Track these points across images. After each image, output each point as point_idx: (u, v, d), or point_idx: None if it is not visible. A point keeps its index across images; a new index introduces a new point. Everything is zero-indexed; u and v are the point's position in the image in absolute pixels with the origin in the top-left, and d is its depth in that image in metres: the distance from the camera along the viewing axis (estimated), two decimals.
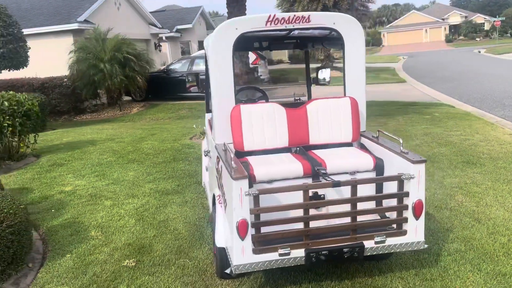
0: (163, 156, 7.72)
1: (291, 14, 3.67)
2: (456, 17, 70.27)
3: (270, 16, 3.64)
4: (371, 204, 3.49)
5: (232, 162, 3.03)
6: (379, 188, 3.53)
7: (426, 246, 3.28)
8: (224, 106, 3.69)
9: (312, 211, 3.30)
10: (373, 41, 67.95)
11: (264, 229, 3.04)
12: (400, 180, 3.10)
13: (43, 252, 4.32)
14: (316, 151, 3.71)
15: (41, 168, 7.37)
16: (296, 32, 3.91)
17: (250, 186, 3.23)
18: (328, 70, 5.03)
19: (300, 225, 3.06)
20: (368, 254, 3.12)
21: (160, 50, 22.64)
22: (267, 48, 4.94)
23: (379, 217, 3.46)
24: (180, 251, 4.08)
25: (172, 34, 24.24)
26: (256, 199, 2.94)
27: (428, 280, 3.46)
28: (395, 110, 12.32)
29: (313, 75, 5.22)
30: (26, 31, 15.53)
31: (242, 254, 2.95)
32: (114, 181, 6.37)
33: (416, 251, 3.82)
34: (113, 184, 6.21)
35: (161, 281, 3.58)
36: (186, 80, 5.11)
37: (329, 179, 3.19)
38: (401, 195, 3.12)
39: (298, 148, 3.75)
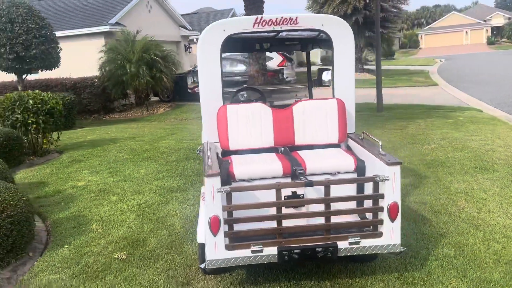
0: (177, 154, 7.90)
1: (279, 15, 3.73)
2: (499, 19, 67.72)
3: (257, 18, 3.72)
4: (353, 205, 3.49)
5: (209, 160, 3.12)
6: (360, 190, 3.53)
7: (403, 249, 3.26)
8: (212, 105, 3.79)
9: (291, 210, 3.35)
10: (410, 44, 66.49)
11: (240, 226, 3.11)
12: (375, 181, 3.09)
13: (46, 242, 4.54)
14: (301, 152, 3.74)
15: (61, 163, 7.70)
16: (284, 34, 3.96)
17: (229, 183, 3.33)
18: (330, 71, 5.04)
19: (275, 224, 3.11)
20: (343, 254, 3.13)
21: (190, 52, 23.04)
22: (267, 50, 5.01)
23: (359, 219, 3.46)
24: (171, 246, 4.21)
25: None
26: (228, 196, 3.02)
27: (409, 284, 3.42)
28: (419, 113, 12.07)
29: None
30: (62, 33, 16.25)
31: (215, 250, 3.03)
32: (125, 177, 6.59)
33: (402, 255, 3.79)
34: (123, 181, 6.42)
35: (147, 274, 3.71)
36: (191, 80, 5.23)
37: (304, 179, 3.22)
38: (375, 196, 3.11)
39: (283, 148, 3.80)
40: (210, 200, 2.95)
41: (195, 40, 24.07)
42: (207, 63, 3.75)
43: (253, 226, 3.16)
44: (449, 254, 3.84)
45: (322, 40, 4.18)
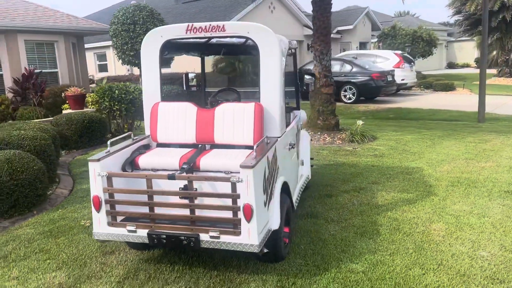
0: None
1: (208, 23, 4.03)
2: None
3: (188, 25, 4.09)
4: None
5: (108, 149, 3.69)
6: None
7: (265, 250, 3.35)
8: (151, 102, 4.29)
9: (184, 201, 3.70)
10: None
11: (139, 209, 3.60)
12: (232, 182, 3.25)
13: (56, 205, 5.60)
14: (215, 150, 4.01)
15: None
16: (214, 40, 4.23)
17: (132, 171, 3.85)
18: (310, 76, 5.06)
19: (165, 210, 3.54)
20: (205, 246, 3.37)
21: (312, 51, 23.31)
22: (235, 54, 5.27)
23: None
24: None
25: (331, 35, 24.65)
26: (109, 180, 3.52)
27: None
28: (503, 127, 10.54)
29: None
30: None
31: (99, 224, 3.56)
32: None
33: (308, 261, 3.81)
34: None
35: (88, 240, 4.40)
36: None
37: (179, 172, 3.54)
38: (232, 196, 3.27)
39: (201, 145, 4.11)
40: (93, 181, 3.50)
41: None
42: (148, 65, 4.26)
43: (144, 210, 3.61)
44: (356, 270, 3.69)
45: (251, 47, 4.32)
